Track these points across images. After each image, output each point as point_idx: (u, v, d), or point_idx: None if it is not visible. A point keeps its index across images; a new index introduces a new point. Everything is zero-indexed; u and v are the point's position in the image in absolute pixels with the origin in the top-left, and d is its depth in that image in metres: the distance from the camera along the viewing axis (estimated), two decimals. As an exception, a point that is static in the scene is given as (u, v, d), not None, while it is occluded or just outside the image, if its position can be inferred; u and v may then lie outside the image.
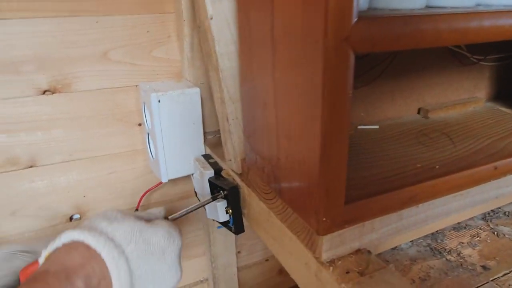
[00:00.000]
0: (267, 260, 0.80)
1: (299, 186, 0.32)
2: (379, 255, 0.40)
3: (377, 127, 0.48)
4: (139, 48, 0.56)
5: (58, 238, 0.32)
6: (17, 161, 0.54)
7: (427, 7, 0.35)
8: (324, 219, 0.29)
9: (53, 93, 0.53)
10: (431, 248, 0.41)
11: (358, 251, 0.32)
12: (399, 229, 0.34)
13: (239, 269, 0.75)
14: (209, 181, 0.48)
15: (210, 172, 0.49)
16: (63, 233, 0.32)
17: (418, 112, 0.54)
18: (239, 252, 0.75)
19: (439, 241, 0.42)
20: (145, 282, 0.33)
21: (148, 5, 0.55)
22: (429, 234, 0.43)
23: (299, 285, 0.35)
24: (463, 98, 0.58)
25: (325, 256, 0.31)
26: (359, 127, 0.49)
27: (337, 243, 0.31)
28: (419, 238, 0.42)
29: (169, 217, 0.43)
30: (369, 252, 0.32)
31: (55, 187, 0.57)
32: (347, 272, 0.30)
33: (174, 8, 0.56)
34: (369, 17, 0.25)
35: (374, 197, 0.31)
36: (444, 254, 0.40)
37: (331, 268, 0.31)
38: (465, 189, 0.37)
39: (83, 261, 0.30)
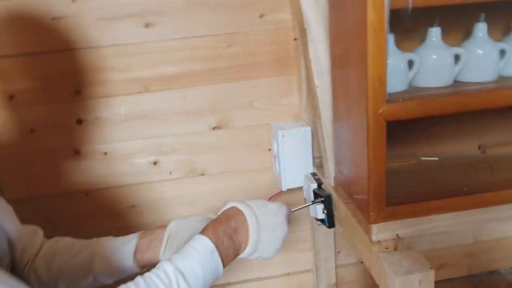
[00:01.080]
0: (362, 262, 0.97)
1: (361, 195, 0.53)
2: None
3: (436, 158, 0.64)
4: (272, 99, 0.84)
5: (224, 206, 0.60)
6: (195, 171, 0.87)
7: (456, 81, 0.52)
8: (371, 213, 0.50)
9: (219, 129, 0.85)
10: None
11: (395, 237, 0.51)
12: (428, 230, 0.52)
13: (337, 266, 0.95)
14: (313, 191, 0.72)
15: (314, 185, 0.73)
16: (227, 203, 0.60)
17: (479, 148, 0.67)
18: (338, 252, 0.95)
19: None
20: (266, 229, 0.58)
21: (279, 71, 0.83)
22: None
23: (361, 257, 0.56)
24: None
25: (374, 237, 0.51)
26: (422, 158, 0.65)
27: (382, 230, 0.51)
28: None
29: (291, 209, 0.67)
30: (401, 238, 0.51)
31: (215, 189, 0.88)
32: (386, 248, 0.50)
33: (296, 72, 0.83)
34: (393, 100, 0.46)
35: (407, 205, 0.50)
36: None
37: (377, 245, 0.51)
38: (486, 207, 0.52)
39: (235, 214, 0.58)
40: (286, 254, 0.94)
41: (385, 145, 0.47)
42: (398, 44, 0.57)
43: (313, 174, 0.77)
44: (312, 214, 0.71)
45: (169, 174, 0.86)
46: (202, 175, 0.87)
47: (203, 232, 0.56)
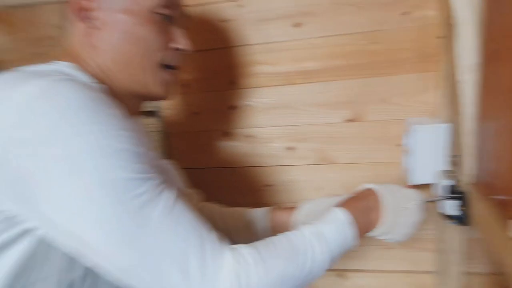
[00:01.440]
0: (493, 274, 0.91)
1: (504, 193, 0.53)
2: None
3: None
4: (408, 95, 0.86)
5: (359, 188, 0.66)
6: (325, 159, 0.94)
7: None
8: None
9: (352, 121, 0.90)
10: None
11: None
12: None
13: (465, 273, 0.91)
14: (450, 187, 0.72)
15: (448, 181, 0.72)
16: (361, 185, 0.65)
17: None
18: (468, 258, 0.91)
19: None
20: (400, 212, 0.61)
21: (418, 68, 0.84)
22: None
23: (496, 253, 0.55)
24: None
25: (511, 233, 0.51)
26: None
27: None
28: None
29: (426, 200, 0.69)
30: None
31: (342, 178, 0.94)
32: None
33: (436, 69, 0.83)
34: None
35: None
36: None
37: (517, 241, 0.50)
38: None
39: (370, 194, 0.63)
40: (407, 251, 0.94)
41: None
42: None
43: (448, 171, 0.77)
44: (443, 211, 0.72)
45: (302, 159, 0.95)
46: (332, 163, 0.94)
47: (337, 205, 0.62)
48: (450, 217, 0.71)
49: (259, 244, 0.52)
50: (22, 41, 1.11)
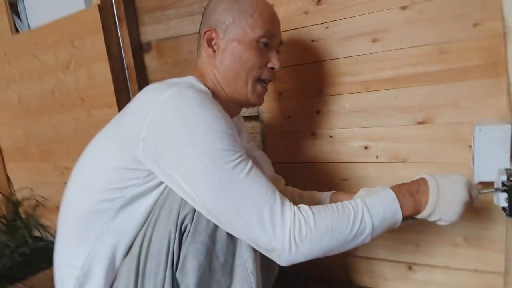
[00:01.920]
0: None
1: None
2: None
3: None
4: (478, 99, 0.92)
5: (416, 178, 0.76)
6: (398, 158, 1.05)
7: None
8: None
9: (423, 123, 1.00)
10: None
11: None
12: None
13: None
14: (502, 182, 0.77)
15: (504, 177, 0.78)
16: (420, 175, 0.76)
17: None
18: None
19: None
20: (445, 191, 0.70)
21: (489, 73, 0.90)
22: None
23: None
24: None
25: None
26: None
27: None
28: None
29: (480, 191, 0.76)
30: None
31: (412, 175, 1.02)
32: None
33: (506, 75, 0.88)
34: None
35: None
36: None
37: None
38: None
39: (419, 180, 0.73)
40: (477, 250, 0.97)
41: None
42: None
43: (508, 169, 0.81)
44: (496, 203, 0.77)
45: (376, 157, 1.08)
46: (404, 162, 1.04)
47: (390, 187, 0.74)
48: (504, 209, 0.76)
49: (319, 205, 0.69)
50: (168, 64, 1.51)
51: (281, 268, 0.78)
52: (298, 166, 1.21)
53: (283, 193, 0.98)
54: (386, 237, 1.12)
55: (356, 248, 1.14)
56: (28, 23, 1.82)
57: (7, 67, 1.91)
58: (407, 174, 1.03)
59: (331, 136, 1.14)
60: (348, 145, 1.12)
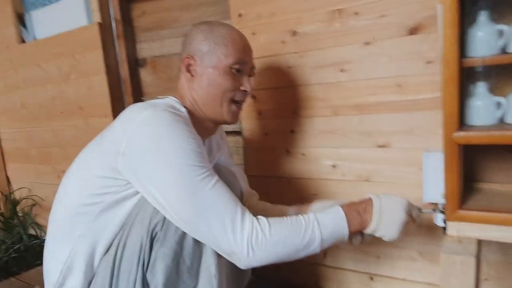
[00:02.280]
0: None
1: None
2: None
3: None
4: (429, 128, 1.02)
5: (367, 195, 0.86)
6: (361, 176, 1.15)
7: None
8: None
9: (383, 147, 1.10)
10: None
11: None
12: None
13: (482, 292, 0.99)
14: (439, 204, 0.87)
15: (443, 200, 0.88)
16: (368, 194, 0.86)
17: None
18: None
19: None
20: (386, 212, 0.79)
21: (437, 105, 1.00)
22: None
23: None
24: None
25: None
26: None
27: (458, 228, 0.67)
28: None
29: (421, 211, 0.86)
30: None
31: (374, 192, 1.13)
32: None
33: (453, 109, 0.98)
34: (465, 129, 0.64)
35: (478, 212, 0.64)
36: None
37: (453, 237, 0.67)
38: None
39: (367, 200, 0.83)
40: (431, 264, 1.07)
41: (459, 160, 0.64)
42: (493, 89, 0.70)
43: (448, 193, 0.91)
44: (436, 222, 0.87)
45: (343, 175, 1.18)
46: (367, 180, 1.14)
47: (340, 205, 0.84)
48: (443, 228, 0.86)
49: (276, 217, 0.79)
50: (161, 79, 1.63)
51: (255, 273, 0.87)
52: (275, 180, 1.31)
53: (255, 207, 1.09)
54: (351, 249, 1.22)
55: (325, 258, 1.25)
56: (34, 34, 1.94)
57: (14, 74, 2.03)
58: (370, 191, 1.13)
59: (303, 154, 1.25)
60: (318, 163, 1.22)
